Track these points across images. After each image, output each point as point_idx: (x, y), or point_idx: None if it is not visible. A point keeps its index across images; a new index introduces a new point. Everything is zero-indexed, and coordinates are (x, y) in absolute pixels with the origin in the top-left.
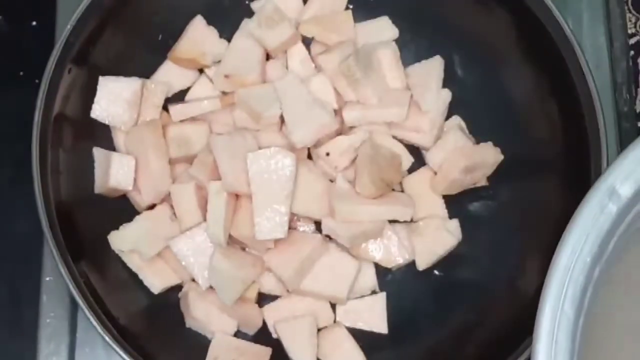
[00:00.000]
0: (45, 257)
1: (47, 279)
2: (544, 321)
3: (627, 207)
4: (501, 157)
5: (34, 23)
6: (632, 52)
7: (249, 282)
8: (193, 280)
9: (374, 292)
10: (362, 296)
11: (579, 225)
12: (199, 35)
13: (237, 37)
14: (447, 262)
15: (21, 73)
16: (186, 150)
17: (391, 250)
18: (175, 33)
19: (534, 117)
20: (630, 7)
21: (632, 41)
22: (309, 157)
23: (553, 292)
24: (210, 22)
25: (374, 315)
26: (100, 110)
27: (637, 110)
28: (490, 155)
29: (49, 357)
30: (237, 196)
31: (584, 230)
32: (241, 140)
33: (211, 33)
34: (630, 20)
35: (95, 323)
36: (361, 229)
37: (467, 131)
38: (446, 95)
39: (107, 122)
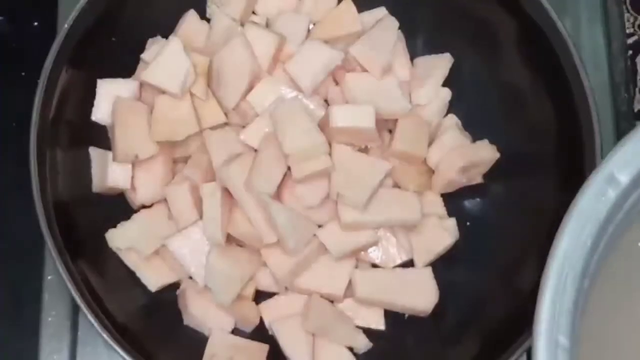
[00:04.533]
0: (46, 256)
1: (49, 277)
2: (544, 305)
3: (625, 194)
4: (497, 155)
5: (36, 23)
6: (630, 52)
7: (246, 279)
8: (190, 277)
9: None
10: None
11: (578, 210)
12: (192, 30)
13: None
14: (444, 259)
15: (22, 73)
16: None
17: (390, 252)
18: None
19: (530, 115)
20: (629, 7)
21: (630, 41)
22: None
23: (554, 275)
24: (203, 16)
25: (370, 312)
26: (101, 113)
27: (635, 110)
28: (486, 154)
29: (50, 355)
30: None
31: (583, 215)
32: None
33: (204, 28)
34: (628, 20)
35: (93, 321)
36: (356, 243)
37: (463, 129)
38: (445, 94)
39: (108, 124)
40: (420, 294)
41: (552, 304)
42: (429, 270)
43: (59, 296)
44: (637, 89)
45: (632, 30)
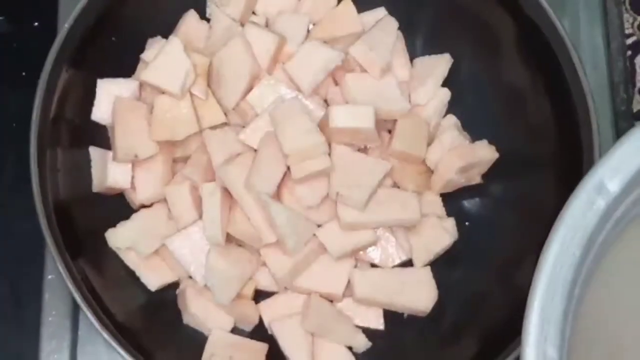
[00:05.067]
0: (47, 256)
1: (49, 277)
2: (533, 316)
3: (615, 202)
4: (497, 155)
5: (36, 23)
6: (629, 52)
7: (246, 279)
8: (190, 277)
9: None
10: None
11: (567, 220)
12: (191, 29)
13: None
14: (443, 259)
15: (23, 73)
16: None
17: (389, 251)
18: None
19: (529, 115)
20: (628, 7)
21: (629, 41)
22: None
23: (542, 286)
24: (203, 16)
25: (370, 312)
26: (101, 113)
27: (634, 110)
28: (485, 154)
29: (50, 355)
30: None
31: (572, 225)
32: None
33: (204, 27)
34: (627, 21)
35: (93, 320)
36: (356, 243)
37: (462, 129)
38: (444, 94)
39: (108, 124)
40: (419, 294)
41: (540, 315)
42: (428, 270)
43: (59, 296)
44: (635, 89)
45: (631, 30)
